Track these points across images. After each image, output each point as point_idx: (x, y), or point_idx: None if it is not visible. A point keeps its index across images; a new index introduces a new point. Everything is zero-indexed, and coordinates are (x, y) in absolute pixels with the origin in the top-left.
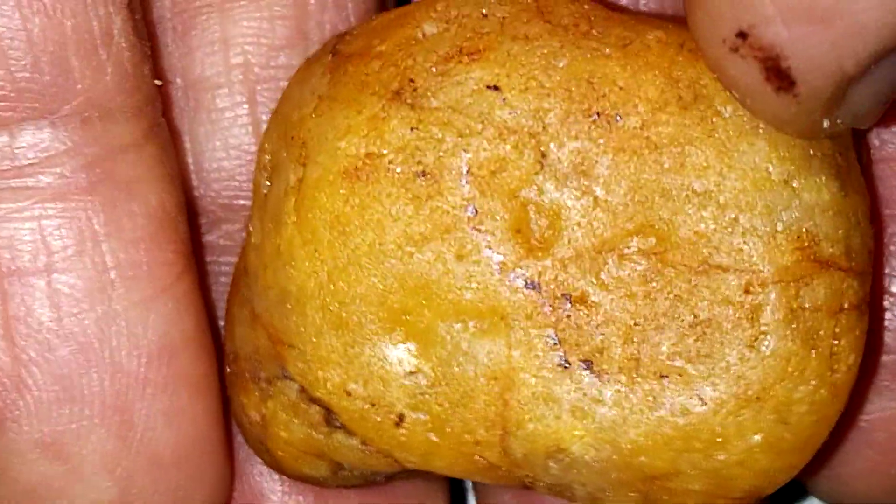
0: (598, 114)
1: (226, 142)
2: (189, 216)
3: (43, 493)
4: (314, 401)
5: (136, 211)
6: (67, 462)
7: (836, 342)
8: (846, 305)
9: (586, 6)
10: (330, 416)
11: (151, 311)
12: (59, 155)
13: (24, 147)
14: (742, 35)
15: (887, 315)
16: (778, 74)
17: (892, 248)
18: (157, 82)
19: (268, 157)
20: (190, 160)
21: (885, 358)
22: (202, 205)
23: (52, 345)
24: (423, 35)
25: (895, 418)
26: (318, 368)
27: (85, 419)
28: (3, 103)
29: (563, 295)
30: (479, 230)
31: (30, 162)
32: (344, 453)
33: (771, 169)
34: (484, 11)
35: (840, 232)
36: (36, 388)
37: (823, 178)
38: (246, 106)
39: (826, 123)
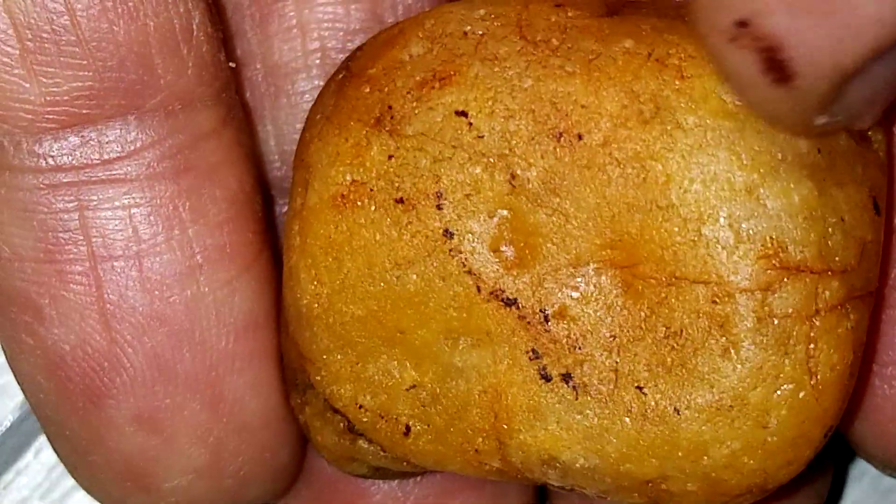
0: (562, 133)
1: None
2: (271, 196)
3: (139, 463)
4: (336, 411)
5: (218, 196)
6: (162, 434)
7: (812, 346)
8: (821, 307)
9: (570, 13)
10: (351, 425)
11: (236, 290)
12: (145, 147)
13: (111, 140)
14: (742, 24)
15: None
16: (776, 66)
17: None
18: (231, 65)
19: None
20: (272, 142)
21: None
22: (285, 186)
23: (146, 327)
24: (410, 56)
25: None
26: (331, 383)
27: (178, 394)
28: (91, 101)
29: (541, 310)
30: (459, 251)
31: (118, 154)
32: (370, 458)
33: (733, 179)
34: (466, 30)
35: (812, 235)
36: (131, 367)
37: (792, 182)
38: None
39: (821, 120)
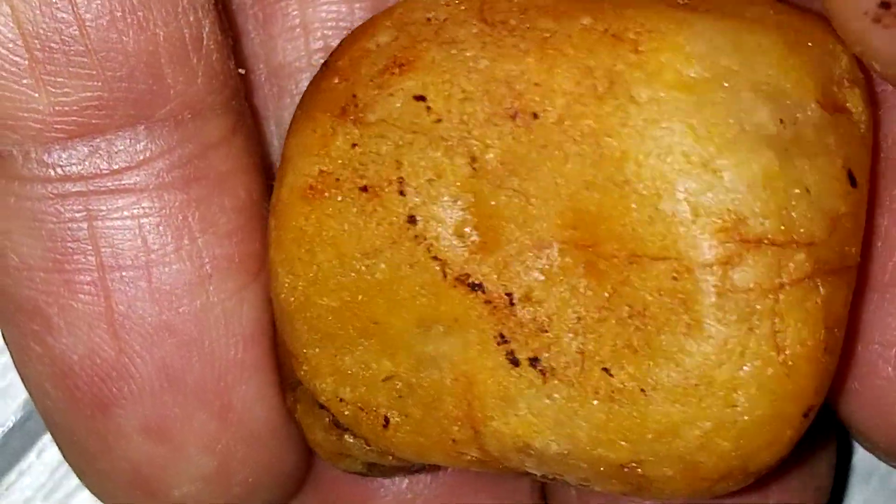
0: (518, 112)
1: None
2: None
3: (147, 471)
4: (322, 406)
5: (227, 205)
6: (170, 443)
7: (777, 320)
8: (786, 281)
9: None
10: (337, 420)
11: (244, 299)
12: (154, 156)
13: (120, 150)
14: (885, 5)
15: None
16: None
17: None
18: (241, 71)
19: None
20: (276, 143)
21: None
22: None
23: (155, 337)
24: (377, 46)
25: None
26: (314, 377)
27: (187, 404)
28: (101, 112)
29: (507, 294)
30: (424, 237)
31: (127, 164)
32: (358, 453)
33: (689, 151)
34: (429, 16)
35: (772, 206)
36: (140, 377)
37: (751, 153)
38: None
39: None
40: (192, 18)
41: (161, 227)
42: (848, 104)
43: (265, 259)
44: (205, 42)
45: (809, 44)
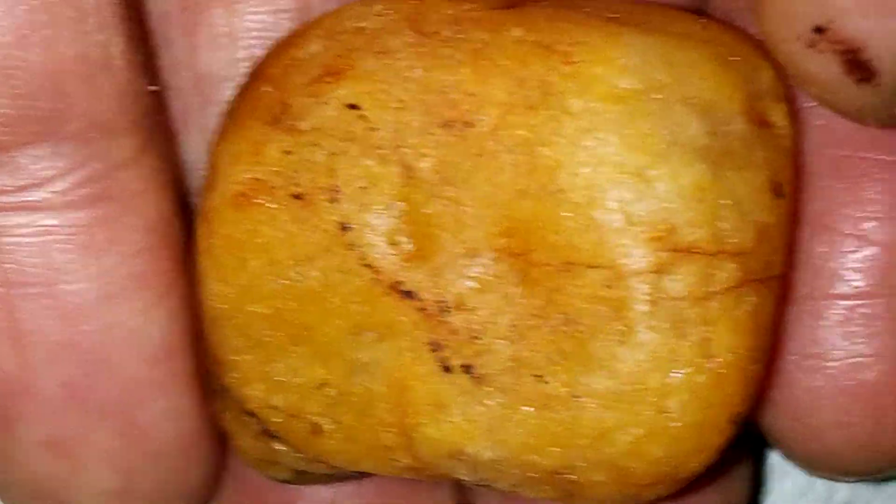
0: (452, 122)
1: None
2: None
3: (48, 486)
4: (251, 413)
5: (135, 224)
6: (72, 459)
7: (708, 328)
8: (716, 290)
9: (465, 7)
10: (266, 427)
11: (152, 318)
12: (59, 174)
13: (25, 167)
14: (819, 30)
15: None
16: (858, 66)
17: None
18: (153, 88)
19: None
20: (200, 151)
21: (856, 303)
22: None
23: (58, 354)
24: (308, 55)
25: (864, 365)
26: (243, 385)
27: (90, 421)
28: (5, 128)
29: (440, 301)
30: (357, 245)
31: (32, 181)
32: (288, 460)
33: (622, 161)
34: (361, 25)
35: (703, 216)
36: (42, 393)
37: (682, 165)
38: None
39: None
40: (100, 38)
41: (66, 245)
42: (772, 118)
43: (176, 276)
44: (113, 61)
45: (736, 59)
